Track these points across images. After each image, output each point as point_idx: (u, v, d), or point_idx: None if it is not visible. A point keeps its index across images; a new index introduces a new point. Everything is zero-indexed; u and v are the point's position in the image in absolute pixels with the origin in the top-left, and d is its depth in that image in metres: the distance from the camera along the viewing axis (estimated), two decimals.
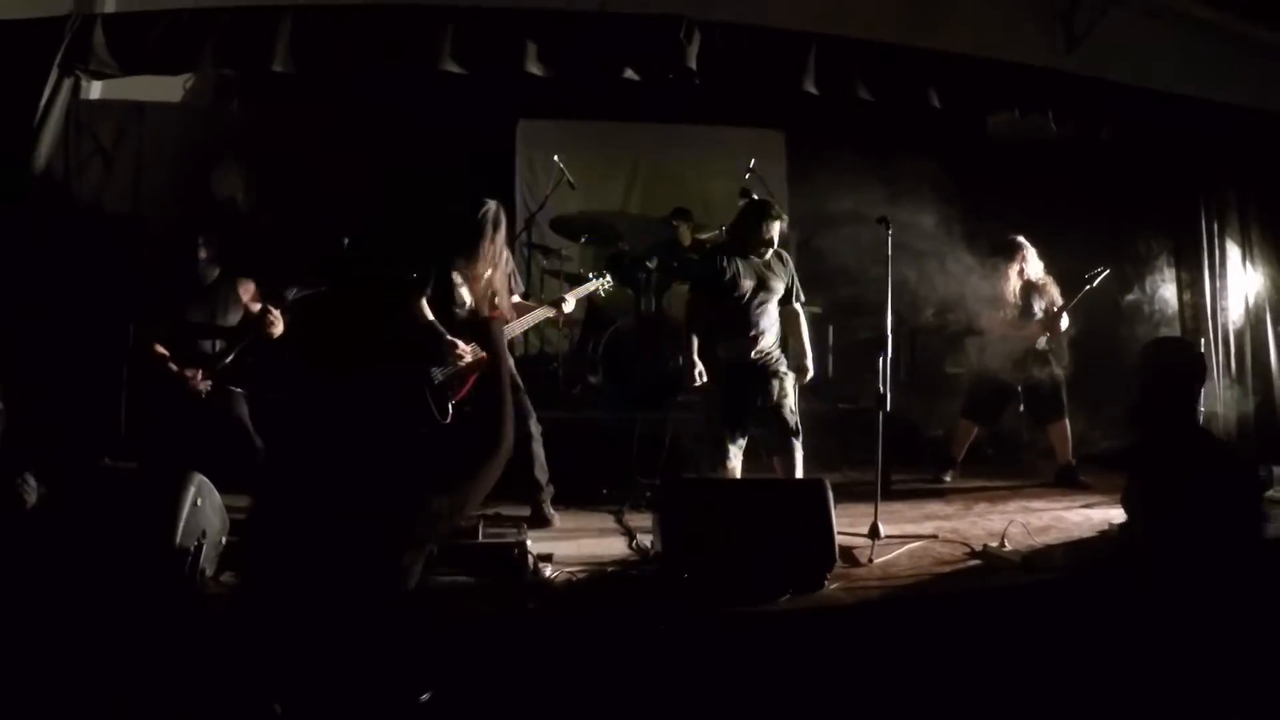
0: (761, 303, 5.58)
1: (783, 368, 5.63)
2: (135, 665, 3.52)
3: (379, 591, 2.52)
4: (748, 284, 5.53)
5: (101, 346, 5.97)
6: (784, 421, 5.56)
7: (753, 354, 5.54)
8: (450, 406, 5.36)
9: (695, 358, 5.47)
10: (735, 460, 5.51)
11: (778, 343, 5.67)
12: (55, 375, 5.66)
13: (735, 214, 5.89)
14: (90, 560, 3.93)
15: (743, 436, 5.54)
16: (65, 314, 5.83)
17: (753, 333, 5.54)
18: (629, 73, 5.77)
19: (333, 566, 2.50)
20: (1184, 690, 3.50)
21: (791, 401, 5.62)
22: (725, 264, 5.56)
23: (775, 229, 5.61)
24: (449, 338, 5.29)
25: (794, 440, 5.58)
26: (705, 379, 5.48)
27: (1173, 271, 7.54)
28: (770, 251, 5.66)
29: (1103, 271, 6.55)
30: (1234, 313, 7.29)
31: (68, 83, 5.38)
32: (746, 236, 5.64)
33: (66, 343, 5.81)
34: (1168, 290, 7.55)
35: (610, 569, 4.67)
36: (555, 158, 7.66)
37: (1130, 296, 7.52)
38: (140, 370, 5.45)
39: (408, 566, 2.56)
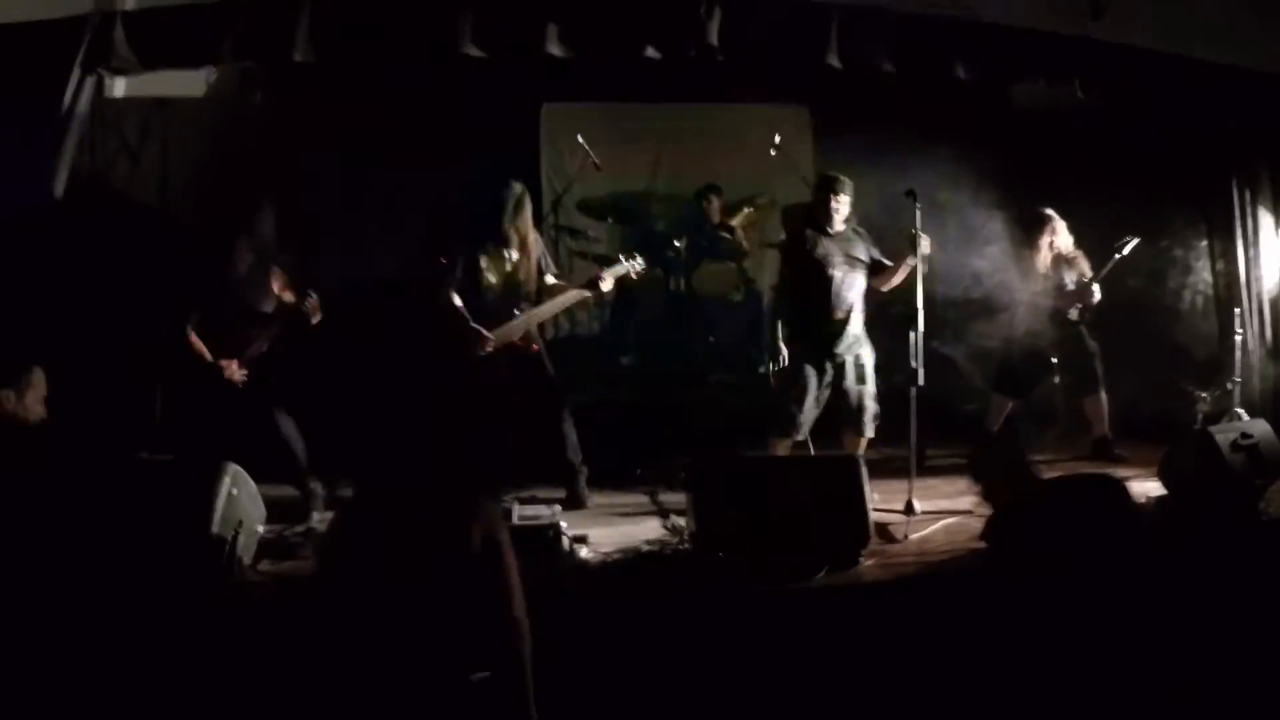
0: (848, 278, 5.55)
1: (865, 350, 5.61)
2: (174, 654, 3.56)
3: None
4: (835, 259, 5.51)
5: (134, 341, 6.02)
6: (863, 407, 5.56)
7: (839, 334, 5.52)
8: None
9: (781, 343, 5.61)
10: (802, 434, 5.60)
11: (863, 321, 5.64)
12: (89, 371, 5.70)
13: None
14: (129, 552, 3.99)
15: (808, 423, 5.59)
16: (97, 310, 5.88)
17: (840, 311, 5.52)
18: (650, 51, 5.73)
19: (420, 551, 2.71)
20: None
21: (872, 387, 5.59)
22: (809, 237, 5.54)
23: (843, 201, 5.56)
24: (474, 326, 5.30)
25: (868, 423, 5.59)
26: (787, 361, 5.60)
27: (1205, 242, 7.42)
28: (847, 226, 5.62)
29: (1131, 240, 6.46)
30: (1268, 281, 7.16)
31: (90, 81, 5.42)
32: (817, 212, 5.62)
33: (99, 339, 5.86)
34: (1200, 260, 7.45)
35: (645, 549, 4.68)
36: (579, 138, 7.62)
37: (1162, 267, 7.42)
38: (173, 363, 5.48)
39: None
